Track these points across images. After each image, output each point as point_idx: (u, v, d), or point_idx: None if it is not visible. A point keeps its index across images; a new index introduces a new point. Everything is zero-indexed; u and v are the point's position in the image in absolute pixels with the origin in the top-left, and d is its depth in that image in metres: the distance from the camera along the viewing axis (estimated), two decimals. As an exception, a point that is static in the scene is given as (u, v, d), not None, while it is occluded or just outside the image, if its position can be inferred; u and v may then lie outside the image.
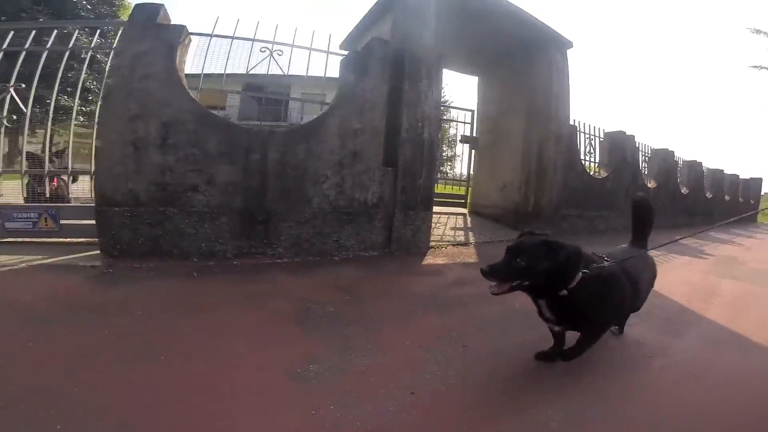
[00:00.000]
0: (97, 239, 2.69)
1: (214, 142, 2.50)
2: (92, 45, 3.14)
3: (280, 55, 2.97)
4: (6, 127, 2.91)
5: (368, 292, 2.29)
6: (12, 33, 2.95)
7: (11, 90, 2.93)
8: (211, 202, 2.53)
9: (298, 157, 2.76)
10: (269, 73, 3.12)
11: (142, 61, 2.46)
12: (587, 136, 5.26)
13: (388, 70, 3.15)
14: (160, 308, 1.83)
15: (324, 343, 1.60)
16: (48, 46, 2.89)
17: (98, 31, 3.32)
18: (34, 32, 2.94)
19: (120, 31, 2.72)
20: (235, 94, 6.20)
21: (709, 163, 10.30)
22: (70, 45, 2.97)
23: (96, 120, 2.58)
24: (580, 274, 1.30)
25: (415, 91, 3.21)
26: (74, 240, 2.83)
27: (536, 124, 4.54)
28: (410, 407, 1.20)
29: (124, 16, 15.41)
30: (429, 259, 3.18)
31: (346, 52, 3.30)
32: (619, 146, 5.59)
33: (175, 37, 2.55)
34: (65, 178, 3.37)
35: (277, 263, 2.74)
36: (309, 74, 3.09)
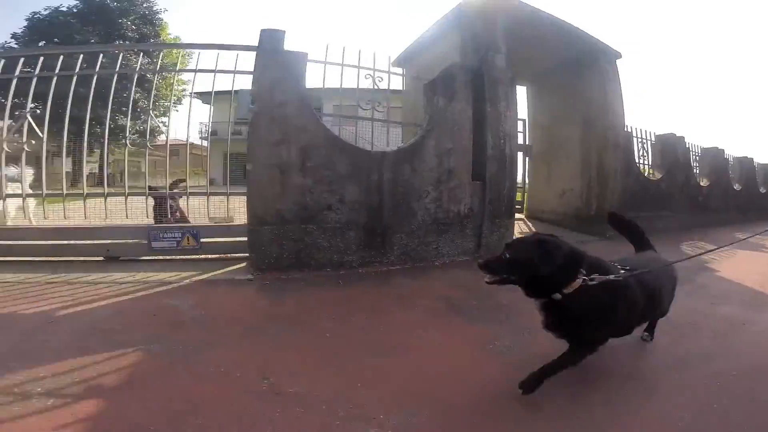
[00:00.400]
0: (227, 254, 3.25)
1: (343, 165, 3.05)
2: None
3: (380, 80, 3.46)
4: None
5: (489, 289, 2.73)
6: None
7: (152, 113, 3.50)
8: (342, 219, 3.06)
9: (404, 176, 3.29)
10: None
11: (278, 88, 3.01)
12: (639, 140, 5.63)
13: (470, 93, 3.65)
14: (343, 312, 2.34)
15: (491, 327, 2.08)
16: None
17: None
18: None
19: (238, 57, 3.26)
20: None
21: (761, 158, 10.41)
22: (196, 68, 3.54)
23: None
24: (579, 280, 1.32)
25: (496, 112, 3.71)
26: (210, 256, 3.34)
27: (593, 134, 4.99)
28: (586, 367, 1.63)
29: (164, 35, 16.75)
30: (519, 262, 3.62)
31: (400, 70, 3.77)
32: (670, 148, 5.97)
33: (302, 64, 3.07)
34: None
35: (392, 269, 3.25)
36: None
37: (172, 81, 11.14)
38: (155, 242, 3.19)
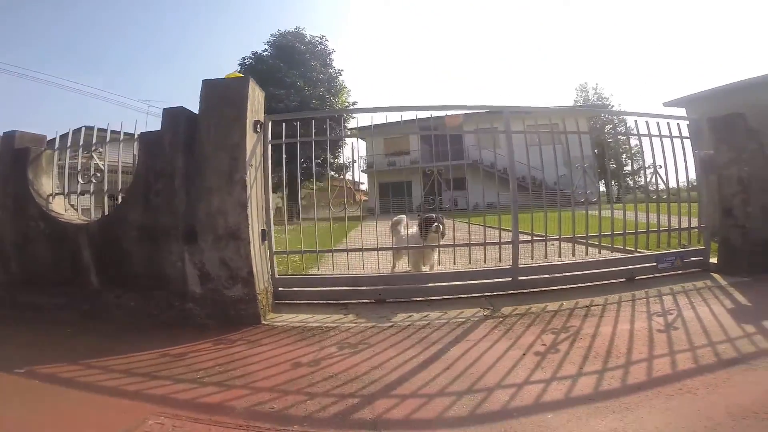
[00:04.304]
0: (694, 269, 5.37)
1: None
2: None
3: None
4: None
5: None
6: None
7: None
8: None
9: None
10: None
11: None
12: None
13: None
14: None
15: None
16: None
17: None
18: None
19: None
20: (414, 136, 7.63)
21: None
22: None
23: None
24: None
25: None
26: (685, 271, 5.41)
27: None
28: None
29: (344, 93, 19.32)
30: None
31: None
32: None
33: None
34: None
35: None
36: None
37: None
38: (660, 264, 5.30)
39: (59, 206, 4.51)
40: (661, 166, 5.35)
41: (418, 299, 4.81)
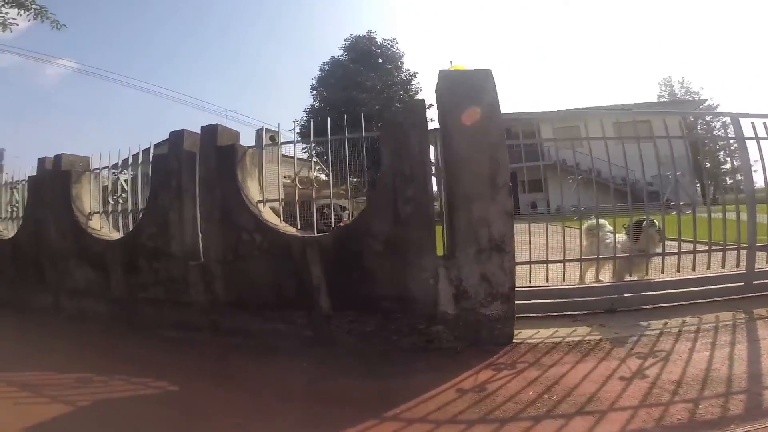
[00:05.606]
0: None
1: None
2: None
3: None
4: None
5: None
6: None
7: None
8: None
9: None
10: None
11: None
12: None
13: None
14: None
15: None
16: None
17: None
18: None
19: None
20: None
21: None
22: None
23: None
24: None
25: None
26: None
27: None
28: None
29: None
30: None
31: None
32: None
33: None
34: None
35: None
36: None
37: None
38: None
39: (272, 216, 3.88)
40: None
41: (647, 307, 4.40)
